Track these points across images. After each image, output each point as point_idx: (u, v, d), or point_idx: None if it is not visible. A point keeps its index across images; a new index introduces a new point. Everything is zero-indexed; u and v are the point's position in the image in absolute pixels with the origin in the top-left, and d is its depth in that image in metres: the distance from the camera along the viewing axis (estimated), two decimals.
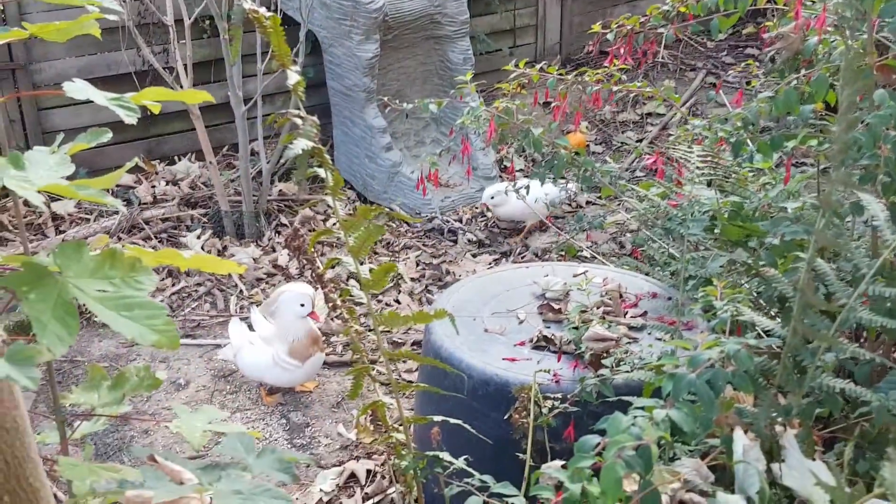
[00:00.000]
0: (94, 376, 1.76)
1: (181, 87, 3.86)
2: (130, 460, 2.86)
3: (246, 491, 1.13)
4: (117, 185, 4.44)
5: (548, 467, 1.86)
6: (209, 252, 3.97)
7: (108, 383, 1.76)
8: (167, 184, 4.49)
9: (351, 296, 1.69)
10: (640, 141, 4.94)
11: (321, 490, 2.76)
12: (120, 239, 4.05)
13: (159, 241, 4.08)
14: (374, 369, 1.90)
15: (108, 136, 1.54)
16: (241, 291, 3.80)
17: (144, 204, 4.32)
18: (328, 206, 4.35)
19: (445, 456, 1.70)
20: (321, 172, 1.65)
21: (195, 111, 3.89)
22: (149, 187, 4.42)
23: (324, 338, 3.08)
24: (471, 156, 4.00)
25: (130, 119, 1.46)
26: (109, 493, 1.19)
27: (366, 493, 2.73)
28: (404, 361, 3.31)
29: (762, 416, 1.61)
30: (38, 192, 1.41)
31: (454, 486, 1.66)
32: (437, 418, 1.85)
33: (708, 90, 5.44)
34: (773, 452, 1.62)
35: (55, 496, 1.45)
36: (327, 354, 3.38)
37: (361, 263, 1.74)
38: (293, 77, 1.46)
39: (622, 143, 5.03)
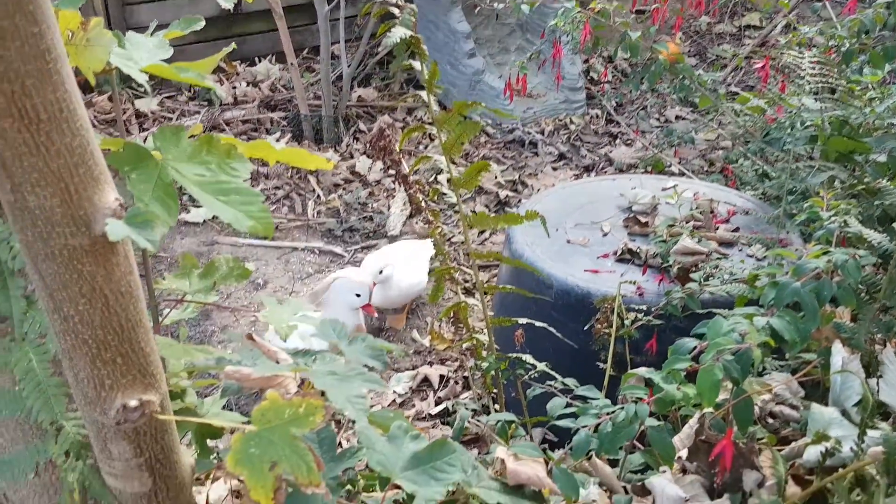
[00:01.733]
0: (185, 264, 1.78)
1: None
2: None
3: (341, 373, 1.14)
4: (198, 86, 4.45)
5: (636, 371, 1.84)
6: None
7: (198, 272, 1.79)
8: (248, 85, 4.49)
9: (440, 195, 1.66)
10: (735, 56, 4.76)
11: (395, 392, 2.80)
12: None
13: None
14: (457, 270, 1.89)
15: (200, 24, 1.52)
16: (318, 196, 3.82)
17: (225, 105, 4.34)
18: (410, 110, 4.33)
19: (528, 358, 1.69)
20: (416, 65, 1.62)
21: (278, 10, 3.86)
22: (229, 88, 4.43)
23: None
24: (581, 51, 3.90)
25: (227, 4, 1.44)
26: (209, 369, 1.20)
27: (438, 398, 2.76)
28: (481, 268, 3.30)
29: (862, 330, 1.56)
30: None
31: (536, 387, 1.65)
32: (522, 320, 1.84)
33: (812, 3, 5.18)
34: (869, 369, 1.58)
35: None
36: None
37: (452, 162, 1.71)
38: None
39: (717, 55, 4.84)
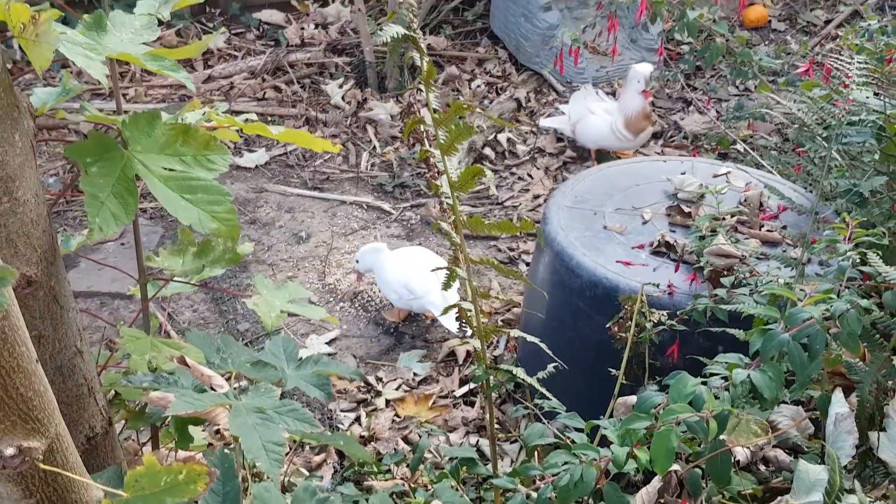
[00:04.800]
0: (183, 240, 1.76)
1: None
2: (219, 327, 2.92)
3: (269, 409, 1.09)
4: (267, 24, 4.41)
5: (623, 401, 1.74)
6: (349, 103, 3.92)
7: (194, 250, 1.75)
8: (316, 27, 4.42)
9: (439, 194, 1.57)
10: (827, 22, 4.41)
11: (413, 373, 2.69)
12: (264, 80, 4.05)
13: (301, 87, 4.05)
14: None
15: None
16: (374, 148, 3.75)
17: (291, 46, 4.28)
18: (480, 62, 4.18)
19: (520, 373, 1.60)
20: (417, 59, 1.51)
21: None
22: (298, 29, 4.36)
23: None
24: (638, 26, 3.68)
25: None
26: (142, 388, 1.17)
27: (464, 376, 2.68)
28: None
29: (868, 377, 1.42)
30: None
31: (519, 408, 1.57)
32: (529, 337, 1.75)
33: None
34: (874, 420, 1.44)
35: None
36: None
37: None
38: None
39: (808, 22, 4.51)
